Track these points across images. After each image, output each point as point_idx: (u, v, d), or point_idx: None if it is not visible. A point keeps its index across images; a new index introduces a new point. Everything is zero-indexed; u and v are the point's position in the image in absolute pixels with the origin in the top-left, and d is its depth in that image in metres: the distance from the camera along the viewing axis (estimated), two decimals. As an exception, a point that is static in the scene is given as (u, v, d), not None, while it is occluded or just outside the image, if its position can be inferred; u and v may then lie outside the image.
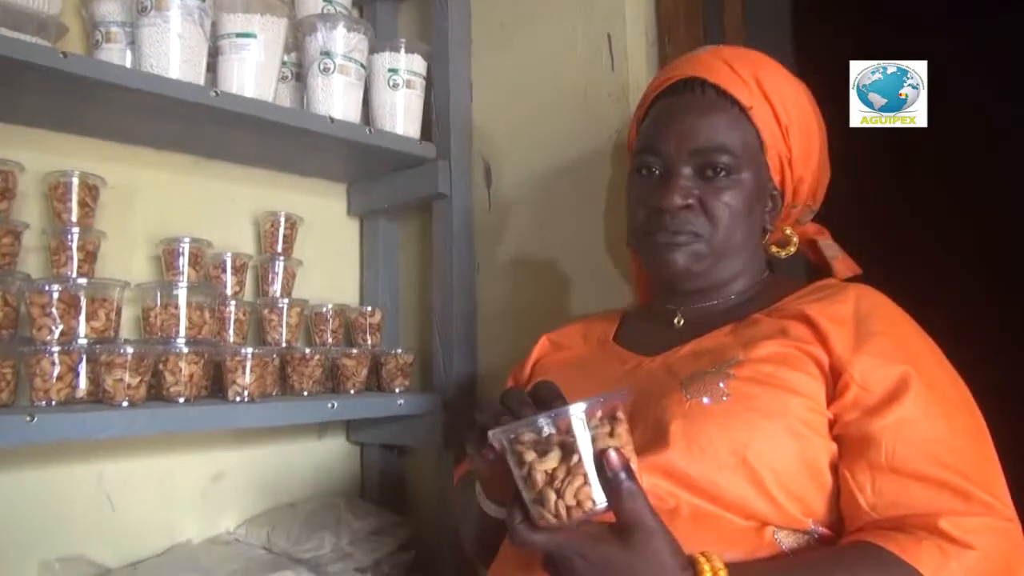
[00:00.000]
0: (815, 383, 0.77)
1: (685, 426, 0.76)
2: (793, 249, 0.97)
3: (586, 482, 0.62)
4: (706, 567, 0.64)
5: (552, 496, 0.62)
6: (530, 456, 0.63)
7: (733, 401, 0.76)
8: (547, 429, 0.64)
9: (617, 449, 0.63)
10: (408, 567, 1.45)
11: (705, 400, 0.77)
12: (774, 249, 0.97)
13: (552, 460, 0.63)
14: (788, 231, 0.97)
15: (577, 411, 0.63)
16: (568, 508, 0.62)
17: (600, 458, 0.62)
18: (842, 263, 0.97)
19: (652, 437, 0.77)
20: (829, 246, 0.98)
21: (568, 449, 0.63)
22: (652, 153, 0.90)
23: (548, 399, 0.71)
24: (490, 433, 0.66)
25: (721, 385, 0.77)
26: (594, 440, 0.63)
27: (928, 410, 0.73)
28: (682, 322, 0.93)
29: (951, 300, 1.64)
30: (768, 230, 0.94)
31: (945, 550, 0.65)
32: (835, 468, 0.75)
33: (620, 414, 0.66)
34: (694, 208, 0.86)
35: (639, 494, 0.62)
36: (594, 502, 0.62)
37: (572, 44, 1.34)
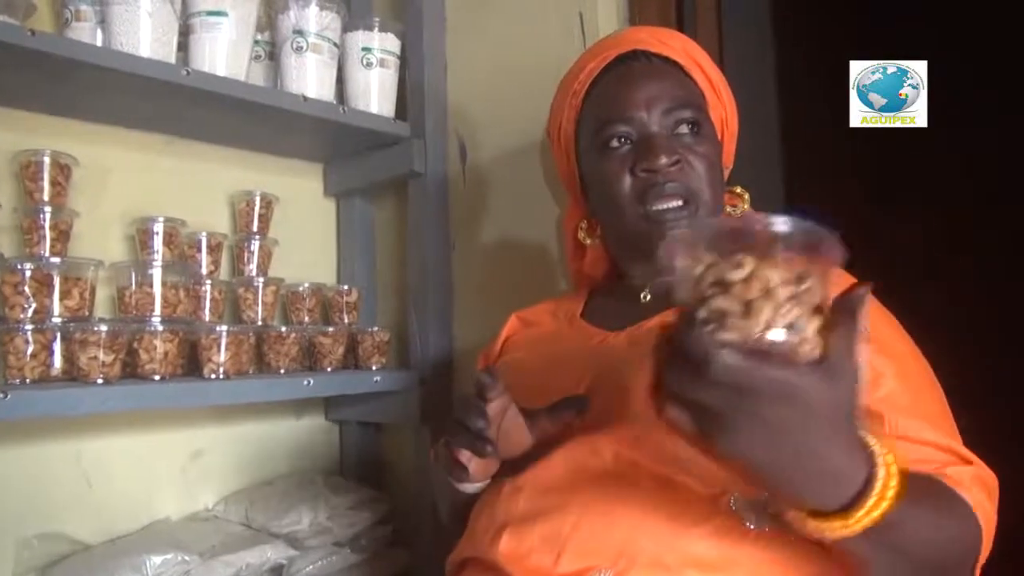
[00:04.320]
0: None
1: (648, 397, 0.77)
2: (746, 206, 0.98)
3: (806, 314, 0.50)
4: (881, 455, 0.55)
5: (767, 310, 0.49)
6: (750, 261, 0.51)
7: None
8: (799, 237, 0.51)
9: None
10: (386, 541, 1.47)
11: (669, 374, 0.78)
12: (728, 207, 0.98)
13: (779, 274, 0.50)
14: (738, 189, 0.99)
15: (830, 235, 0.51)
16: (791, 325, 0.49)
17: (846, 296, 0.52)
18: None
19: (615, 410, 0.79)
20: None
21: (764, 273, 0.50)
22: (622, 123, 0.90)
23: (486, 389, 0.73)
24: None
25: (686, 359, 0.79)
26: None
27: (906, 382, 0.76)
28: (649, 297, 0.95)
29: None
30: (724, 189, 0.96)
31: (968, 490, 0.68)
32: None
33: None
34: (682, 165, 0.88)
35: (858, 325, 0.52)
36: (809, 340, 0.50)
37: (545, 22, 1.35)
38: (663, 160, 0.86)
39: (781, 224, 0.51)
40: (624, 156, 0.90)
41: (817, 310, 0.51)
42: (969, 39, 1.66)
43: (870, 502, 0.53)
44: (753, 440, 0.51)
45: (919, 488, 0.61)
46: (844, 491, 0.54)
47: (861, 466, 0.54)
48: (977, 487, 0.70)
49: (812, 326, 0.50)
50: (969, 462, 0.72)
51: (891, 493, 0.54)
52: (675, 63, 0.92)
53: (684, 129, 0.89)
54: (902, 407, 0.73)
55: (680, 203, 0.88)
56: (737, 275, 0.51)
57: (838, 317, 0.51)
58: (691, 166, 0.88)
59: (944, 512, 0.65)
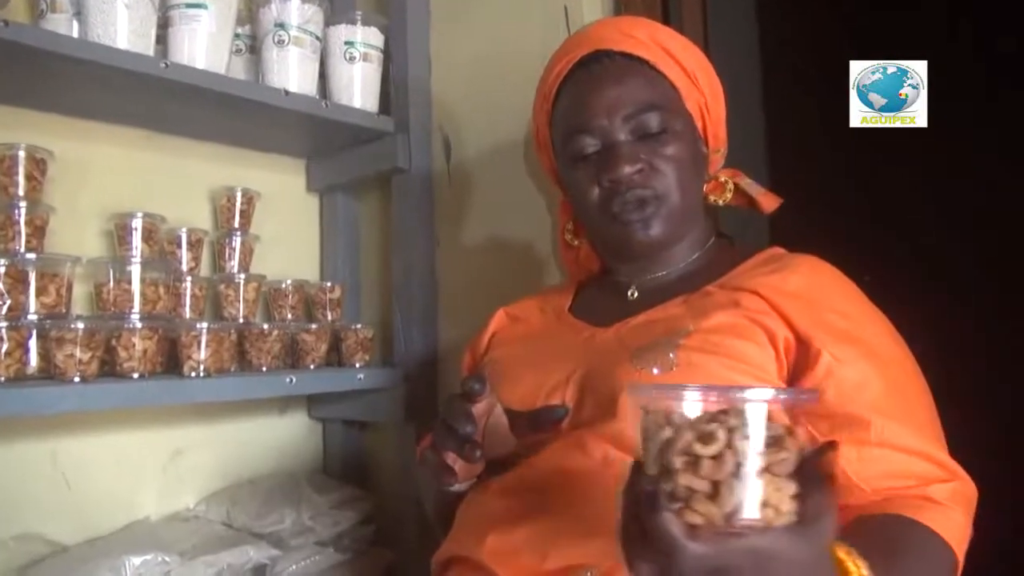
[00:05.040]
0: (763, 353, 0.78)
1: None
2: (729, 195, 0.98)
3: (785, 487, 0.49)
4: (845, 558, 0.60)
5: (702, 489, 0.49)
6: (687, 435, 0.50)
7: (682, 371, 0.77)
8: (699, 409, 0.52)
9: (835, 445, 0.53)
10: (370, 540, 1.46)
11: (654, 370, 0.78)
12: (711, 198, 0.98)
13: (755, 444, 0.49)
14: (722, 178, 0.98)
15: (759, 397, 0.51)
16: (727, 515, 0.48)
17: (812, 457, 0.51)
18: (765, 197, 0.98)
19: (603, 407, 0.79)
20: (750, 184, 0.99)
21: (742, 442, 0.49)
22: (585, 133, 0.90)
23: (476, 391, 0.73)
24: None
25: (671, 355, 0.78)
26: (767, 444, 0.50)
27: (892, 386, 0.76)
28: (636, 294, 0.94)
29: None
30: (705, 180, 0.96)
31: (946, 513, 0.71)
32: None
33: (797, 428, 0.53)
34: (645, 171, 0.87)
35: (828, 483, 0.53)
36: (786, 510, 0.50)
37: (529, 15, 1.34)
38: (625, 170, 0.86)
39: (757, 396, 0.51)
40: (591, 166, 0.90)
41: (792, 475, 0.50)
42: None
43: None
44: None
45: (896, 557, 0.67)
46: None
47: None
48: (956, 504, 0.72)
49: (787, 495, 0.49)
50: (952, 473, 0.73)
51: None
52: (641, 60, 0.90)
53: (650, 132, 0.88)
54: (888, 413, 0.74)
55: (649, 211, 0.88)
56: (708, 451, 0.49)
57: (811, 477, 0.50)
58: (656, 171, 0.87)
59: (923, 564, 0.69)
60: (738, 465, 0.49)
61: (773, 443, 0.50)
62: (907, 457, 0.73)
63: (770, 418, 0.51)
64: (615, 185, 0.87)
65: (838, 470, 0.60)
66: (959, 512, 0.72)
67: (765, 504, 0.49)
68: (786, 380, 0.78)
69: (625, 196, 0.87)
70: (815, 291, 0.81)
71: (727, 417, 0.50)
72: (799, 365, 0.77)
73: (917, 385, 0.80)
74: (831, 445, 0.52)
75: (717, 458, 0.49)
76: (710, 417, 0.51)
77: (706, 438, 0.49)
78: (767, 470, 0.49)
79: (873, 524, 0.72)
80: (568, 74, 0.93)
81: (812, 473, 0.50)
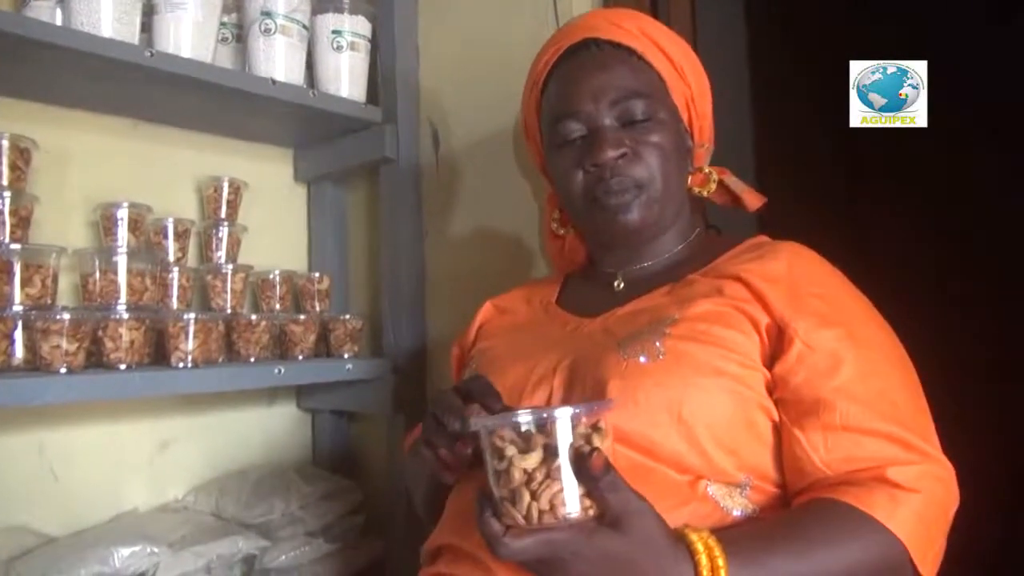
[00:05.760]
0: (749, 341, 0.78)
1: (622, 385, 0.77)
2: (714, 186, 0.98)
3: (563, 488, 0.61)
4: (696, 540, 0.64)
5: (527, 497, 0.61)
6: (510, 451, 0.62)
7: (669, 359, 0.77)
8: (529, 427, 0.63)
9: (597, 450, 0.62)
10: (359, 530, 1.47)
11: (642, 359, 0.78)
12: (696, 190, 0.98)
13: (533, 460, 0.61)
14: (707, 169, 0.98)
15: (565, 415, 0.62)
16: (541, 512, 0.60)
17: (580, 461, 0.61)
18: (750, 195, 0.99)
19: (591, 397, 0.79)
20: (735, 182, 1.00)
21: (551, 452, 0.61)
22: (571, 118, 0.90)
23: (481, 394, 0.75)
24: (472, 420, 0.68)
25: (657, 344, 0.79)
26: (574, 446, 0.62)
27: (869, 368, 0.76)
28: (622, 285, 0.95)
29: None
30: (689, 172, 0.96)
31: (895, 496, 0.69)
32: (774, 425, 0.77)
33: (603, 424, 0.65)
34: (629, 156, 0.87)
35: (622, 482, 0.62)
36: (567, 509, 0.61)
37: (518, 7, 1.33)
38: (609, 154, 0.87)
39: (560, 413, 0.62)
40: (575, 151, 0.91)
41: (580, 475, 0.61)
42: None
43: None
44: None
45: (786, 530, 0.70)
46: None
47: (686, 562, 0.63)
48: (920, 487, 0.70)
49: (577, 493, 0.61)
50: (922, 455, 0.72)
51: (721, 562, 0.63)
52: (629, 49, 0.90)
53: (635, 119, 0.88)
54: (855, 396, 0.74)
55: (628, 196, 0.88)
56: (500, 466, 0.62)
57: (594, 476, 0.60)
58: (639, 157, 0.88)
59: (829, 539, 0.68)
60: (525, 473, 0.61)
61: (547, 455, 0.62)
62: (870, 439, 0.72)
63: (574, 427, 0.63)
64: (599, 170, 0.88)
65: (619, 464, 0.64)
66: (920, 497, 0.69)
67: (552, 506, 0.61)
68: (769, 365, 0.78)
69: (609, 182, 0.87)
70: (796, 276, 0.82)
71: (533, 434, 0.63)
72: (775, 350, 0.78)
73: (898, 369, 0.79)
74: (595, 454, 0.61)
75: (507, 471, 0.62)
76: (511, 437, 0.63)
77: (499, 455, 0.62)
78: (549, 477, 0.61)
79: (781, 515, 0.75)
80: (556, 62, 0.94)
81: (595, 472, 0.60)
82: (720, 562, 0.63)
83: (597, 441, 0.62)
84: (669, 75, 0.92)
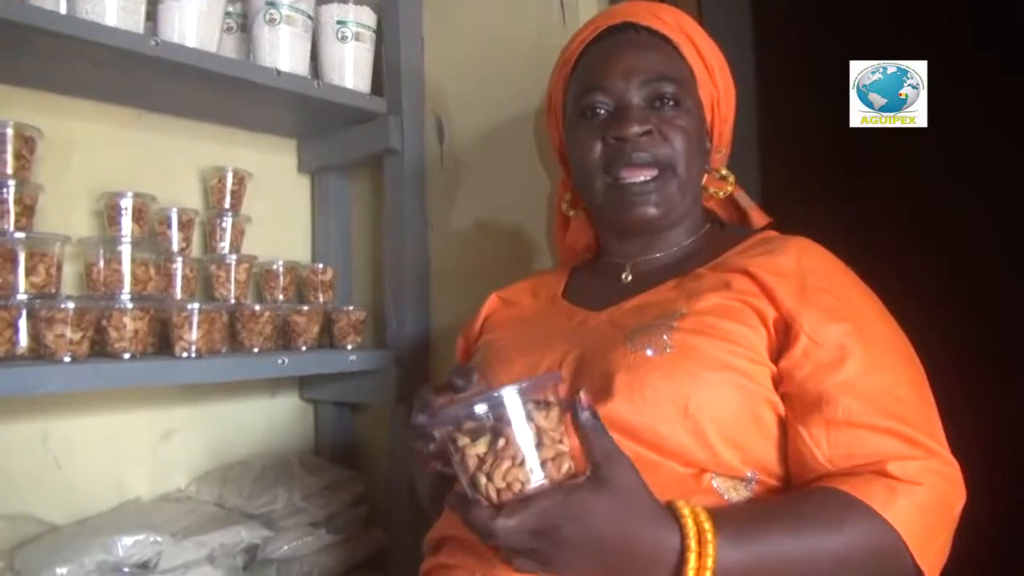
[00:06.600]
0: (756, 335, 0.78)
1: (629, 378, 0.77)
2: (731, 188, 0.98)
3: (514, 464, 0.61)
4: (683, 506, 0.65)
5: (483, 479, 0.62)
6: (463, 441, 0.63)
7: (676, 353, 0.77)
8: (484, 413, 0.63)
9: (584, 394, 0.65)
10: (362, 521, 1.47)
11: (649, 352, 0.78)
12: (712, 189, 0.99)
13: (482, 444, 0.62)
14: (724, 172, 0.99)
15: (508, 393, 0.62)
16: (498, 490, 0.61)
17: (538, 433, 0.62)
18: (757, 212, 1.00)
19: (598, 389, 0.79)
20: (743, 197, 1.01)
21: (496, 433, 0.62)
22: (600, 92, 0.90)
23: (466, 380, 0.75)
24: (420, 419, 0.70)
25: (665, 337, 0.79)
26: (528, 419, 0.63)
27: (875, 363, 0.75)
28: (630, 277, 0.94)
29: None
30: (706, 170, 0.96)
31: (894, 487, 0.69)
32: (780, 420, 0.77)
33: (551, 397, 0.65)
34: (654, 135, 0.87)
35: (604, 430, 0.64)
36: (522, 482, 0.61)
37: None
38: (634, 128, 0.87)
39: (465, 406, 0.62)
40: (598, 124, 0.90)
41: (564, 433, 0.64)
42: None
43: (691, 556, 0.62)
44: (574, 558, 0.62)
45: (779, 508, 0.71)
46: (668, 557, 0.63)
47: (672, 528, 0.64)
48: (922, 482, 0.69)
49: (538, 461, 0.62)
50: (927, 451, 0.71)
51: (710, 536, 0.63)
52: (666, 38, 0.92)
53: (664, 102, 0.89)
54: (859, 392, 0.73)
55: (648, 176, 0.88)
56: (457, 457, 0.64)
57: (581, 435, 0.63)
58: (664, 137, 0.88)
59: (822, 520, 0.68)
60: (478, 458, 0.62)
61: (534, 417, 0.62)
62: (872, 434, 0.72)
63: (537, 401, 0.63)
64: (621, 143, 0.87)
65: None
66: (921, 489, 0.69)
67: (543, 465, 0.62)
68: (775, 360, 0.78)
69: (631, 157, 0.87)
70: (804, 270, 0.81)
71: (491, 416, 0.62)
72: (782, 345, 0.78)
73: (905, 365, 0.79)
74: (584, 410, 0.64)
75: (461, 460, 0.63)
76: (469, 427, 0.63)
77: (473, 435, 0.63)
78: (498, 460, 0.61)
79: (777, 497, 0.76)
80: (593, 41, 0.95)
81: (581, 426, 0.63)
82: (707, 526, 0.63)
83: (552, 414, 0.64)
84: (700, 72, 0.93)
